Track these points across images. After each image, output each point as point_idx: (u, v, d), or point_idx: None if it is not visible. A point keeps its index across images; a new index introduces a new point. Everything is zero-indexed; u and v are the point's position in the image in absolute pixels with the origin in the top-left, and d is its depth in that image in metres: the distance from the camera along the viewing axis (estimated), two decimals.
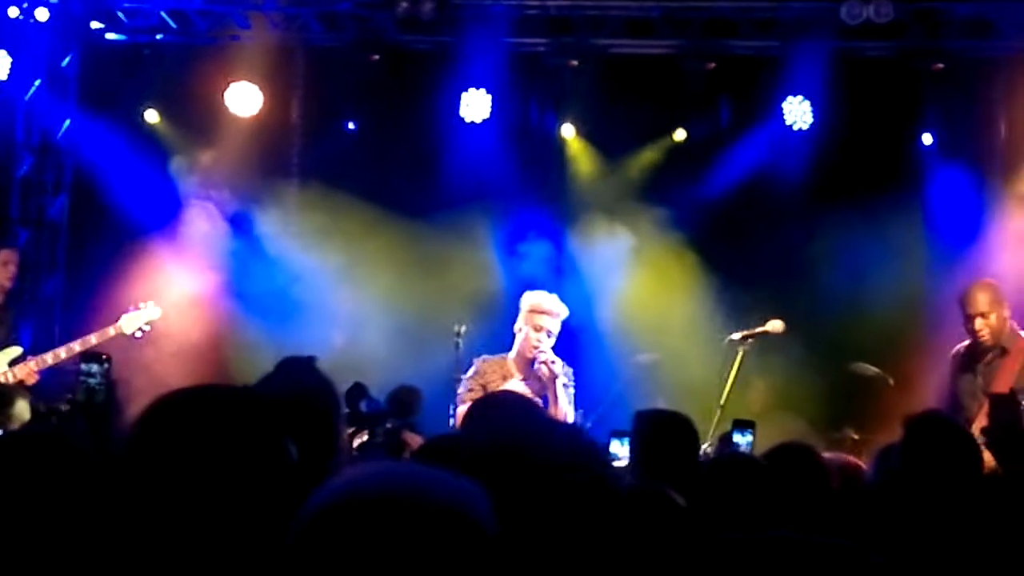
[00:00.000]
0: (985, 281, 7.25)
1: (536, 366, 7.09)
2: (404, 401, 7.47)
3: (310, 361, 3.97)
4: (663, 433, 4.76)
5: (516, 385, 7.03)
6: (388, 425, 6.03)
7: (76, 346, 7.74)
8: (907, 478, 4.08)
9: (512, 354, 7.29)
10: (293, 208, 10.39)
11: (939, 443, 4.45)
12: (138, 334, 7.96)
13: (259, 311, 9.88)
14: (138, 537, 2.93)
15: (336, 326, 9.95)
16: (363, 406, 6.36)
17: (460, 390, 7.29)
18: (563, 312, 7.32)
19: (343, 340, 9.89)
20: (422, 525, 1.70)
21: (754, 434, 4.81)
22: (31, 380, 7.54)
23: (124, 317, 7.92)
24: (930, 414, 5.88)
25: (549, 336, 7.18)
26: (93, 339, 7.80)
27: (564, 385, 7.22)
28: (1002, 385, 6.78)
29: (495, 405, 4.58)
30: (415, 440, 6.26)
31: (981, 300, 7.02)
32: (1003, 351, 6.94)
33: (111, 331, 7.85)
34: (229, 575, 2.58)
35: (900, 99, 9.93)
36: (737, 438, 5.52)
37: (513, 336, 7.25)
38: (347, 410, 6.23)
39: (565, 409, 7.11)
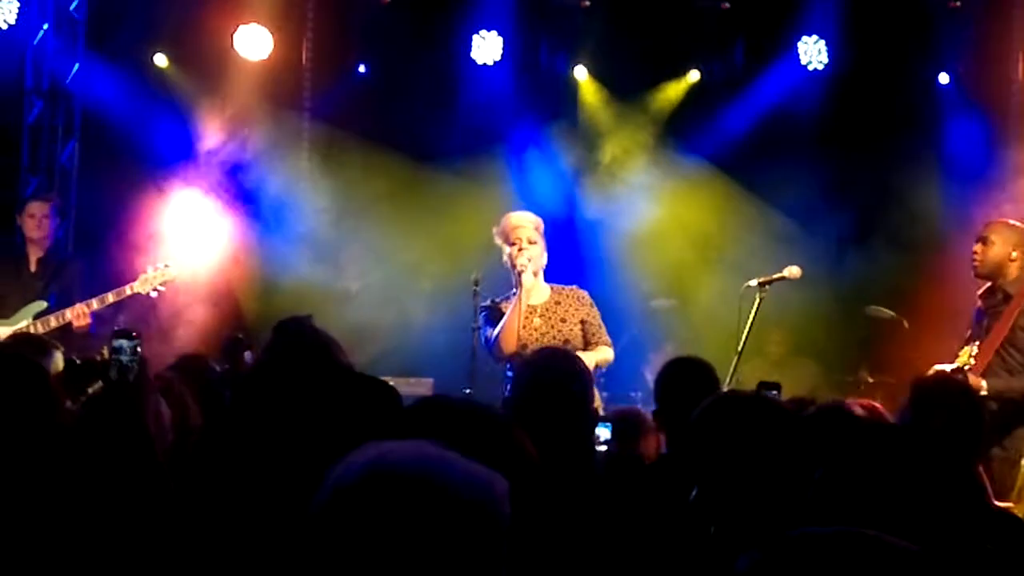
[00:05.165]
0: (1010, 220, 7.14)
1: (516, 267, 6.68)
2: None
3: (309, 320, 3.96)
4: (681, 379, 4.75)
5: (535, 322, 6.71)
6: None
7: (95, 303, 7.75)
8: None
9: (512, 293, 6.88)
10: (304, 153, 10.34)
11: (945, 410, 4.48)
12: (153, 294, 7.96)
13: (273, 257, 9.86)
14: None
15: (351, 273, 9.94)
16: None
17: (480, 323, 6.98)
18: (527, 219, 6.86)
19: (358, 287, 9.88)
20: (436, 506, 1.70)
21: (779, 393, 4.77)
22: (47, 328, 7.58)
23: (141, 277, 7.93)
24: (938, 379, 5.93)
25: (531, 244, 6.74)
26: (110, 297, 7.82)
27: (590, 305, 6.84)
28: (998, 331, 6.77)
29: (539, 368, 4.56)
30: None
31: (988, 226, 6.96)
32: (1006, 297, 6.88)
33: (127, 290, 7.87)
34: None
35: (916, 38, 9.84)
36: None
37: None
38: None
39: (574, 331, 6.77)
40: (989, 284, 6.94)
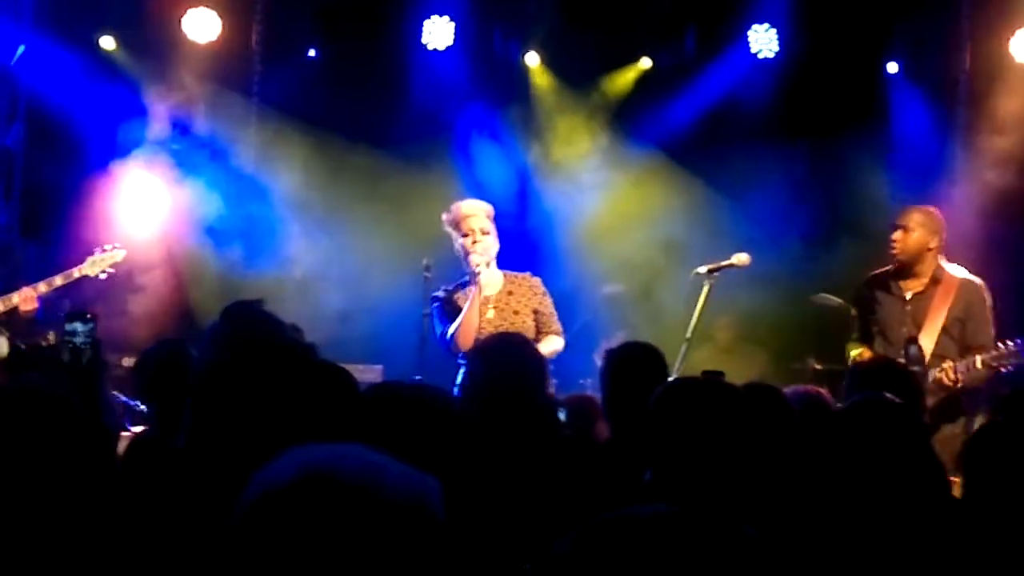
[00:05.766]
0: (926, 207, 7.26)
1: (472, 266, 6.65)
2: None
3: (259, 305, 3.92)
4: (630, 364, 4.75)
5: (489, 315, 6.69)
6: None
7: (42, 286, 7.65)
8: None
9: (463, 280, 6.89)
10: (252, 137, 10.26)
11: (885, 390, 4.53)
12: (102, 275, 7.89)
13: (219, 242, 9.79)
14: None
15: (296, 257, 9.88)
16: None
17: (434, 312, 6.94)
18: (479, 207, 6.83)
19: (302, 271, 9.82)
20: (372, 513, 1.67)
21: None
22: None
23: (89, 259, 7.84)
24: (876, 361, 6.04)
25: (484, 234, 6.71)
26: (58, 280, 7.73)
27: (543, 294, 6.87)
28: (934, 318, 6.87)
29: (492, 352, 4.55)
30: None
31: (907, 214, 7.05)
32: (935, 281, 6.99)
33: (75, 272, 7.78)
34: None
35: (866, 26, 9.89)
36: None
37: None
38: None
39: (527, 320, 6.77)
40: (896, 268, 7.04)
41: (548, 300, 6.85)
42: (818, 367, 8.64)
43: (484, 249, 6.72)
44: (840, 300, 8.49)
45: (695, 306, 6.94)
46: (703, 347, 8.74)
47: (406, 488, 1.71)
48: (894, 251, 7.03)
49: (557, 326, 6.81)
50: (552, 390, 6.37)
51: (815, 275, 9.03)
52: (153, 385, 4.18)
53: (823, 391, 5.20)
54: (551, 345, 6.65)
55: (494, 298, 6.76)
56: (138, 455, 3.43)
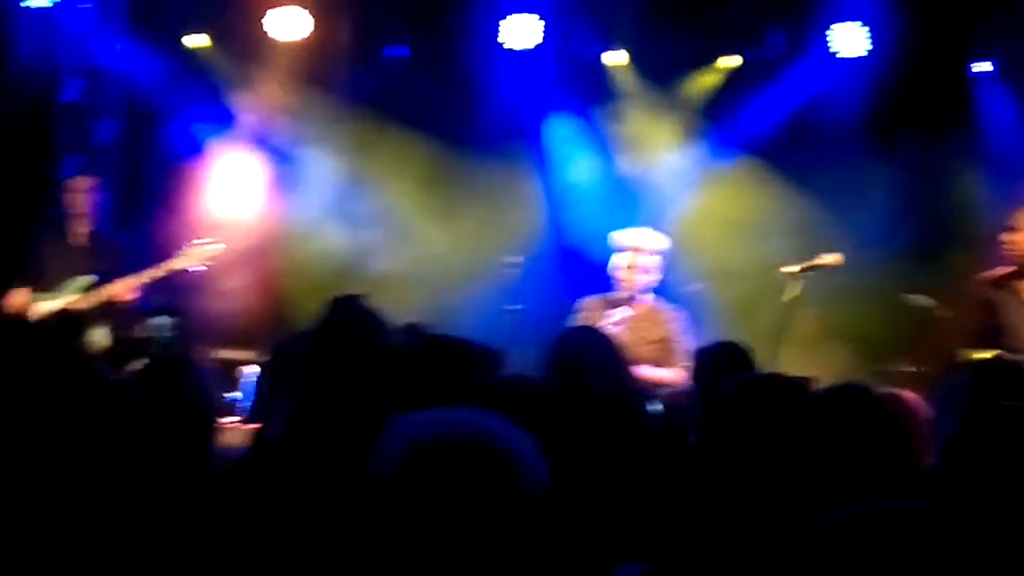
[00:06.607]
0: None
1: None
2: None
3: (362, 299, 3.99)
4: (718, 363, 4.76)
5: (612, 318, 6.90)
6: None
7: (142, 277, 7.80)
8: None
9: (611, 293, 7.28)
10: (341, 136, 10.35)
11: (1006, 390, 4.42)
12: (201, 268, 8.04)
13: (307, 238, 9.91)
14: None
15: (381, 255, 9.96)
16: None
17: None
18: (646, 243, 7.22)
19: (391, 267, 9.89)
20: (509, 475, 1.80)
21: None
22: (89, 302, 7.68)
23: (188, 251, 7.98)
24: (994, 361, 5.95)
25: (632, 271, 7.11)
26: (157, 271, 7.88)
27: (676, 329, 7.09)
28: None
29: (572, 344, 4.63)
30: None
31: (1019, 215, 7.00)
32: None
33: (174, 265, 7.93)
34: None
35: (957, 25, 9.75)
36: None
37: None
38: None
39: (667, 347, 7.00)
40: (1016, 271, 6.97)
41: (674, 334, 7.07)
42: (907, 369, 8.54)
43: (633, 283, 7.08)
44: (930, 300, 8.39)
45: (785, 305, 6.93)
46: (790, 346, 8.68)
47: (523, 452, 1.84)
48: (1006, 251, 6.97)
49: (675, 358, 6.95)
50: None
51: (906, 274, 8.94)
52: (283, 379, 4.22)
53: (911, 395, 5.14)
54: (657, 372, 6.75)
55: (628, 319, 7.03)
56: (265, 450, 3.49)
